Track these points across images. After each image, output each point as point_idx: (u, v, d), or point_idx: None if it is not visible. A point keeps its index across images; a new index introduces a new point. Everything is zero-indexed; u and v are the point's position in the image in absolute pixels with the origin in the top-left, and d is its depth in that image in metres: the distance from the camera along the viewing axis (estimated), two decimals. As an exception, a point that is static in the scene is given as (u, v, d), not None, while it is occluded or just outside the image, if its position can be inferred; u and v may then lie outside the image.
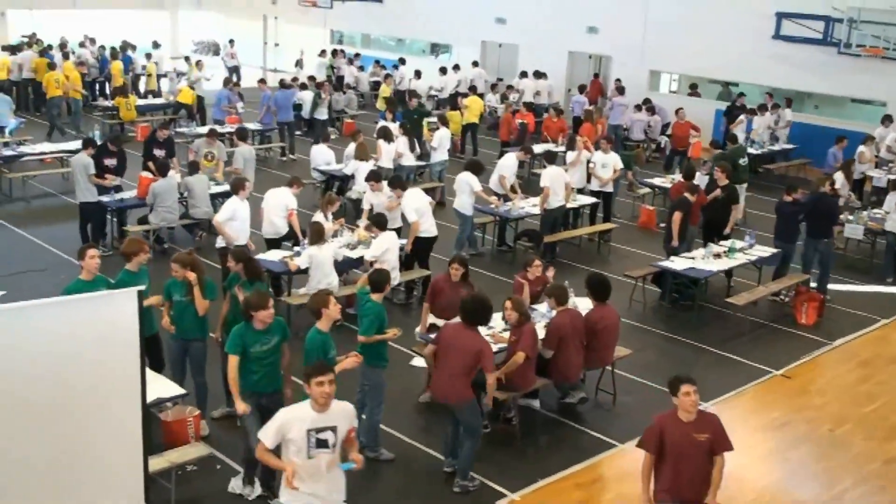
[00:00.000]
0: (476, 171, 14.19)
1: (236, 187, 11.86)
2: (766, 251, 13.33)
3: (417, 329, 9.98)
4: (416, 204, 12.48)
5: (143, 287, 6.71)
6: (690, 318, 12.37)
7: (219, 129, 19.43)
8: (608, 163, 15.86)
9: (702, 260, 12.61)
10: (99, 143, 14.83)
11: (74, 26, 31.67)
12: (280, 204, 12.37)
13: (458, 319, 8.08)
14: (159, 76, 27.06)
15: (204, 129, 17.95)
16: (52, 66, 22.51)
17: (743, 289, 13.01)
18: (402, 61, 27.50)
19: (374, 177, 13.36)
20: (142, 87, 25.85)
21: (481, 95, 23.92)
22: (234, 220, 11.60)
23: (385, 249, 11.25)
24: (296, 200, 12.61)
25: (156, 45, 27.98)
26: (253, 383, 7.53)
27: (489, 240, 15.20)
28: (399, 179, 13.61)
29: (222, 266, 11.31)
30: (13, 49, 25.34)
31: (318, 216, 12.28)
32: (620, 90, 22.90)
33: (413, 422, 9.30)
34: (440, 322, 9.50)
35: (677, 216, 12.94)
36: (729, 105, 22.65)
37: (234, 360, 7.44)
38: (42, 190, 17.12)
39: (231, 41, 30.83)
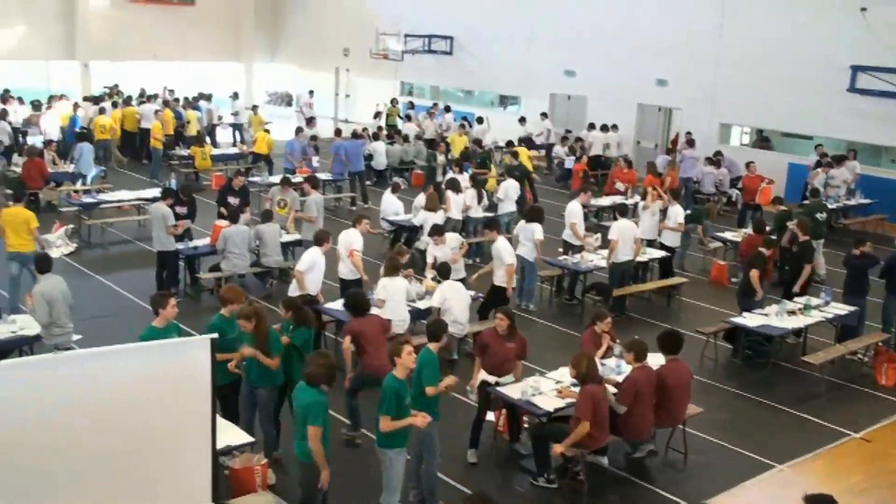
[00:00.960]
0: (538, 218, 14.19)
1: (320, 240, 11.94)
2: (842, 309, 12.97)
3: (468, 385, 9.86)
4: (510, 248, 12.80)
5: (234, 335, 6.77)
6: (764, 376, 12.07)
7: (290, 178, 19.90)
8: (668, 215, 15.76)
9: (776, 317, 12.33)
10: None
11: (154, 77, 32.80)
12: (345, 243, 12.54)
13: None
14: (236, 126, 27.80)
15: (276, 178, 18.30)
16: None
17: (819, 347, 12.68)
18: (480, 120, 27.57)
19: (437, 231, 13.48)
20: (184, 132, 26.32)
21: (550, 146, 23.94)
22: (311, 272, 11.70)
23: (445, 298, 11.31)
24: (361, 240, 12.69)
25: (235, 97, 28.74)
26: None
27: (548, 290, 15.11)
28: (496, 222, 13.76)
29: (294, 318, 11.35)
30: (95, 100, 26.21)
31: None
32: (691, 143, 22.74)
33: (470, 472, 9.18)
34: (491, 378, 9.39)
35: (755, 274, 12.70)
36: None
37: (317, 432, 7.15)
38: (119, 236, 17.56)
39: (311, 92, 31.56)
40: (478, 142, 23.07)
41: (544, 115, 27.09)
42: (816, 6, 21.97)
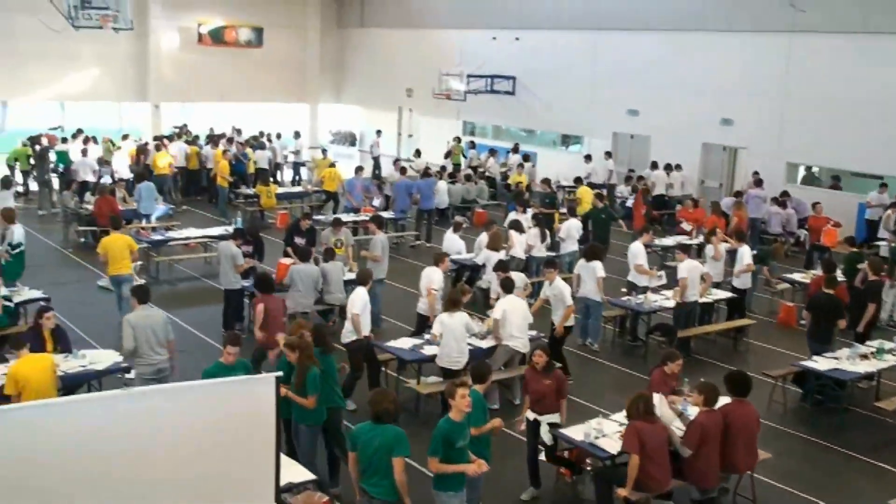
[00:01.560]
0: (599, 256, 14.10)
1: (364, 279, 12.01)
2: (918, 353, 12.59)
3: (515, 420, 9.80)
4: (569, 288, 12.84)
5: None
6: (836, 422, 11.74)
7: (352, 217, 20.11)
8: (736, 257, 15.51)
9: (847, 360, 12.01)
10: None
11: (221, 117, 33.59)
12: (426, 280, 12.76)
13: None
14: (299, 164, 28.26)
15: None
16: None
17: (893, 392, 12.30)
18: (526, 157, 27.63)
19: (502, 267, 13.46)
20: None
21: (613, 186, 23.79)
22: (364, 312, 11.72)
23: (504, 310, 11.59)
24: (441, 278, 12.81)
25: (297, 135, 29.24)
26: None
27: (611, 330, 14.93)
28: (556, 262, 13.84)
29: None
30: (168, 139, 26.83)
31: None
32: (758, 182, 22.43)
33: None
34: (531, 415, 9.34)
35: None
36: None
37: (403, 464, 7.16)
38: (187, 273, 17.88)
39: (378, 132, 31.96)
40: (546, 181, 22.99)
41: (608, 154, 27.01)
42: (884, 44, 21.57)
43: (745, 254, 15.38)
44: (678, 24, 25.70)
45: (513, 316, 11.61)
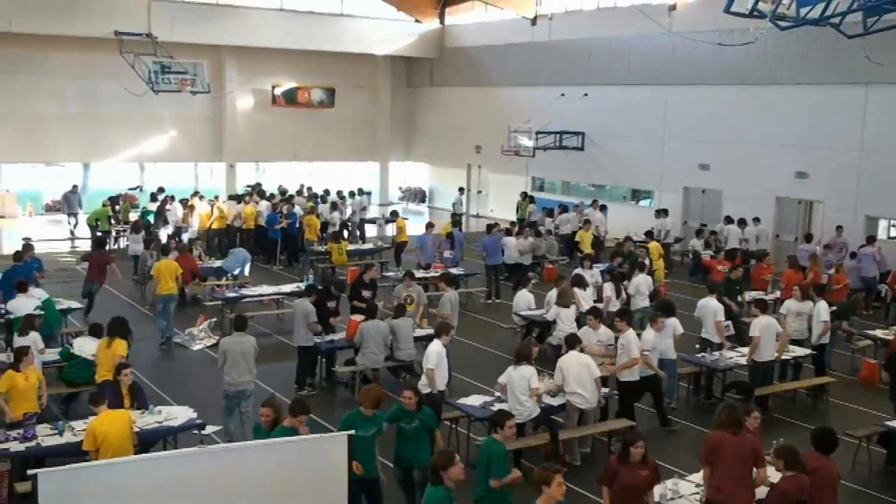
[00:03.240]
0: (671, 312, 13.91)
1: (440, 331, 12.09)
2: None
3: None
4: (638, 341, 12.73)
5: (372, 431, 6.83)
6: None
7: (423, 273, 20.23)
8: (803, 311, 15.16)
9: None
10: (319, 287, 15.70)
11: (294, 176, 34.32)
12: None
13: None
14: (365, 221, 28.61)
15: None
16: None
17: (985, 454, 11.81)
18: (602, 207, 27.57)
19: (595, 312, 13.51)
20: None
21: (668, 245, 23.80)
22: (438, 367, 11.75)
23: (567, 367, 11.53)
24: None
25: (361, 192, 29.64)
26: None
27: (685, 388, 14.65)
28: (627, 312, 13.72)
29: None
30: (239, 198, 27.45)
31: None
32: (869, 240, 21.82)
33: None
34: None
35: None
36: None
37: None
38: (259, 329, 18.10)
39: (461, 189, 32.29)
40: (628, 239, 22.83)
41: (664, 212, 26.64)
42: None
43: (822, 310, 15.00)
44: (749, 78, 25.56)
45: (572, 373, 11.53)
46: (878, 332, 16.67)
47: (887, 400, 12.68)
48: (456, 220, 28.38)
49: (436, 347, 11.78)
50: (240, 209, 25.92)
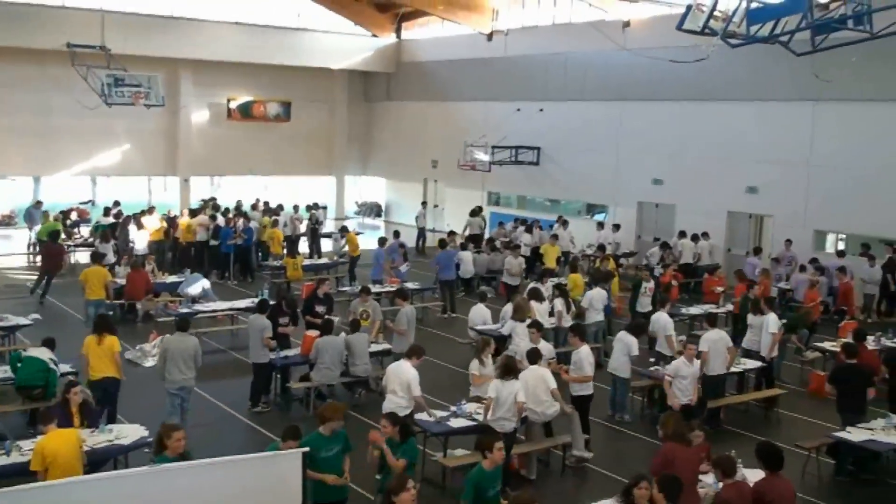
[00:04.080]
0: (637, 332, 14.04)
1: (412, 353, 11.80)
2: (955, 423, 12.32)
3: None
4: (593, 359, 12.82)
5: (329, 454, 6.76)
6: (872, 495, 11.48)
7: (378, 288, 20.18)
8: (755, 324, 15.42)
9: (882, 431, 11.79)
10: (272, 302, 15.58)
11: (250, 190, 34.08)
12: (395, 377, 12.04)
13: None
14: (322, 235, 28.50)
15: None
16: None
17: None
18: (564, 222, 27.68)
19: (537, 326, 13.57)
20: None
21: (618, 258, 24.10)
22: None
23: (525, 380, 11.40)
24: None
25: (316, 206, 29.54)
26: None
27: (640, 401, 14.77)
28: (581, 328, 13.77)
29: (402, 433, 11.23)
30: (193, 213, 27.19)
31: (474, 365, 12.39)
32: (840, 254, 22.37)
33: None
34: None
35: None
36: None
37: None
38: (213, 346, 17.92)
39: (423, 204, 32.20)
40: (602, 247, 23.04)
41: (616, 226, 26.97)
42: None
43: (772, 322, 15.24)
44: (702, 94, 25.92)
45: (530, 387, 11.47)
46: (827, 345, 16.95)
47: (836, 411, 12.85)
48: (420, 233, 28.64)
49: (414, 371, 11.52)
50: (195, 223, 25.65)
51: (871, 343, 15.53)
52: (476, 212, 30.29)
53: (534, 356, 11.97)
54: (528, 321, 15.61)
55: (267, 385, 14.46)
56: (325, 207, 32.23)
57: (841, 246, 24.82)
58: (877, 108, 22.36)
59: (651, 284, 18.78)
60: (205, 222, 25.43)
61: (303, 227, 28.03)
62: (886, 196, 21.96)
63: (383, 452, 8.88)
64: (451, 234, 24.97)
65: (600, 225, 27.00)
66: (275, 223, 25.98)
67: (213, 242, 24.84)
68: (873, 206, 22.26)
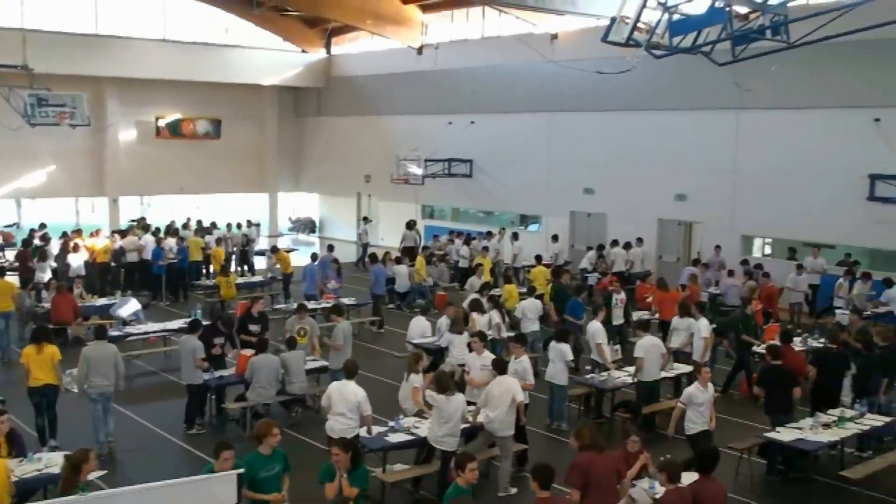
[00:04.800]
0: (564, 339, 14.19)
1: (352, 372, 11.66)
2: (879, 420, 12.72)
3: None
4: (531, 368, 12.94)
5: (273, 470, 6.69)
6: (802, 492, 11.75)
7: (314, 304, 20.06)
8: (680, 327, 15.78)
9: (810, 430, 12.09)
10: (204, 322, 15.35)
11: (181, 208, 33.60)
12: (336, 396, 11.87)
13: None
14: (255, 253, 28.26)
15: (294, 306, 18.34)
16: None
17: (857, 461, 12.37)
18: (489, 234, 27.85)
19: (480, 336, 13.64)
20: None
21: (568, 263, 24.22)
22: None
23: (488, 393, 11.47)
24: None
25: (249, 224, 29.27)
26: None
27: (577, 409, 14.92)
28: (523, 338, 13.81)
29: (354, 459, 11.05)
30: (122, 233, 26.71)
31: (416, 379, 12.39)
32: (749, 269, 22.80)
33: None
34: None
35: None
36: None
37: None
38: (145, 368, 17.62)
39: (365, 219, 31.96)
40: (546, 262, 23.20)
41: (554, 237, 27.27)
42: (830, 118, 22.37)
43: (703, 327, 15.55)
44: (630, 104, 26.37)
45: (495, 400, 11.46)
46: (756, 348, 17.30)
47: (764, 412, 13.14)
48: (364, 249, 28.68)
49: (363, 390, 11.35)
50: (125, 243, 25.19)
51: (797, 344, 15.96)
52: (411, 225, 30.35)
53: (500, 367, 11.93)
54: (466, 333, 15.76)
55: (202, 406, 14.24)
56: (258, 224, 31.90)
57: (767, 250, 25.47)
58: (796, 116, 23.01)
59: (622, 296, 18.57)
60: (134, 243, 25.01)
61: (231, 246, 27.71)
62: (808, 201, 22.58)
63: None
64: (387, 254, 24.88)
65: (555, 238, 27.19)
66: (218, 241, 25.85)
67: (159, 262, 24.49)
68: (796, 211, 22.88)
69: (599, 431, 8.71)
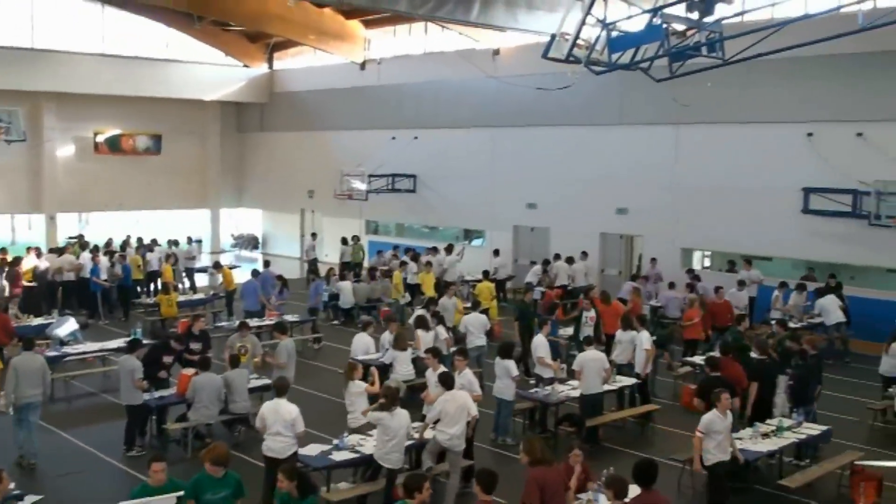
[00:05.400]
0: (507, 354, 14.20)
1: (283, 390, 11.51)
2: (815, 429, 12.96)
3: None
4: (476, 380, 12.96)
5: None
6: (744, 502, 11.90)
7: (257, 321, 19.85)
8: (623, 340, 15.95)
9: (749, 440, 12.27)
10: (144, 340, 15.09)
11: (121, 225, 33.04)
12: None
13: None
14: (197, 270, 27.87)
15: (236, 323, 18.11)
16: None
17: (796, 469, 12.59)
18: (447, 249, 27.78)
19: (435, 352, 13.55)
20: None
21: (502, 282, 24.31)
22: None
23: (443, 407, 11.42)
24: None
25: (190, 241, 28.91)
26: None
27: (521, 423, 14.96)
28: (465, 351, 13.87)
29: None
30: (60, 251, 26.16)
31: (352, 387, 12.33)
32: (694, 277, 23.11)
33: None
34: None
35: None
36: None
37: None
38: (84, 390, 17.24)
39: (313, 235, 31.59)
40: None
41: (496, 252, 27.39)
42: (765, 133, 22.84)
43: (644, 339, 15.72)
44: (571, 119, 26.63)
45: (451, 412, 11.40)
46: (697, 359, 17.55)
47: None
48: (312, 266, 28.46)
49: (296, 407, 11.24)
50: (62, 262, 24.66)
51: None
52: (346, 241, 30.06)
53: (449, 381, 11.84)
54: (410, 349, 15.73)
55: (142, 427, 13.98)
56: (199, 241, 31.52)
57: (707, 263, 25.88)
58: (732, 130, 23.46)
59: (592, 314, 18.19)
60: (71, 262, 24.52)
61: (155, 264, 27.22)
62: (745, 214, 23.00)
63: None
64: (330, 270, 24.84)
65: (496, 252, 27.33)
66: (167, 258, 25.64)
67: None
68: (734, 224, 23.30)
69: (546, 450, 8.70)
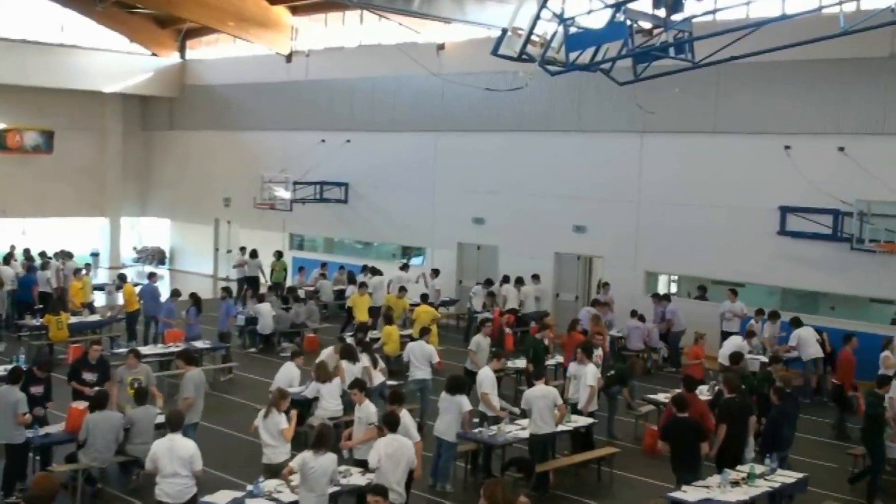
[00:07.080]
0: (455, 390, 14.14)
1: (177, 424, 11.44)
2: (790, 476, 13.16)
3: None
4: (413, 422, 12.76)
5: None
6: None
7: (159, 349, 19.59)
8: (578, 374, 15.96)
9: (718, 489, 12.40)
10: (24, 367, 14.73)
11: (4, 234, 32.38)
12: None
13: None
14: (94, 287, 27.37)
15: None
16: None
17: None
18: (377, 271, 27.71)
19: (359, 385, 13.44)
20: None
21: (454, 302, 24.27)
22: None
23: (381, 457, 11.19)
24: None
25: (70, 256, 28.44)
26: None
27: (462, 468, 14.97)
28: (399, 396, 13.23)
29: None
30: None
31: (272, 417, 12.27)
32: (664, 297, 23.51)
33: None
34: None
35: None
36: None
37: None
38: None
39: (242, 249, 30.91)
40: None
41: (435, 271, 27.48)
42: (738, 144, 23.23)
43: (589, 374, 15.73)
44: (523, 124, 26.87)
45: (391, 464, 11.17)
46: (661, 397, 17.69)
47: (671, 470, 13.43)
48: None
49: (194, 443, 11.16)
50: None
51: (704, 392, 16.36)
52: (254, 254, 29.71)
53: (394, 422, 11.67)
54: (337, 381, 15.60)
55: (23, 469, 13.62)
56: (97, 254, 31.04)
57: (674, 288, 26.15)
58: (701, 140, 23.84)
59: (599, 352, 17.58)
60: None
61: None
62: (716, 235, 23.37)
63: None
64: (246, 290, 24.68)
65: (435, 272, 27.42)
66: (76, 273, 25.30)
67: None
68: (704, 246, 23.63)
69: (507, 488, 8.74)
